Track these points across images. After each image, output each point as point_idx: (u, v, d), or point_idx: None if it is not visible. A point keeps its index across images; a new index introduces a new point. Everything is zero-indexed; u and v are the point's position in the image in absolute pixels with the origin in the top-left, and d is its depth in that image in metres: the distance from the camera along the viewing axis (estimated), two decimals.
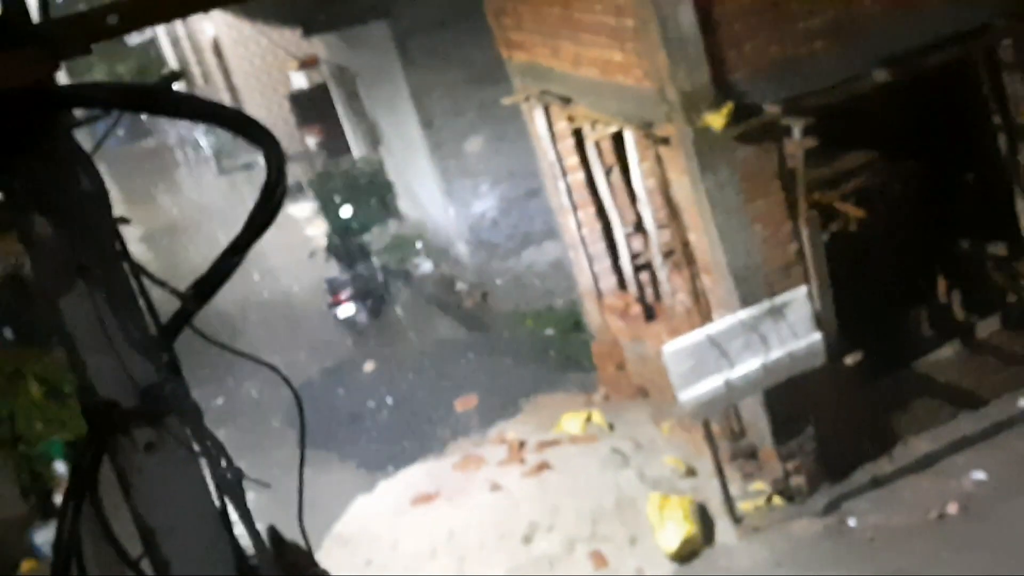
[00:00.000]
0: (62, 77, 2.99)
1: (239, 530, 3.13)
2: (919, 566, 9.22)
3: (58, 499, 10.70)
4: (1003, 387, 10.80)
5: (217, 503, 3.06)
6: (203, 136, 28.56)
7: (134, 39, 33.26)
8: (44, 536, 10.64)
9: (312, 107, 23.31)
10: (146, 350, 2.94)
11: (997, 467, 10.00)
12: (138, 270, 2.98)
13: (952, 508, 9.73)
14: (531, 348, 14.52)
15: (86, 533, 2.98)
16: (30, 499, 11.32)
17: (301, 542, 3.48)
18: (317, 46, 21.41)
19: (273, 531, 3.37)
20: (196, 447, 3.01)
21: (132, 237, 20.41)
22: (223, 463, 3.06)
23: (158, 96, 3.09)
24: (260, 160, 2.89)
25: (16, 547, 10.72)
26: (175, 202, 26.90)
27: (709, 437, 10.16)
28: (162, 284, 3.02)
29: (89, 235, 2.88)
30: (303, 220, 21.12)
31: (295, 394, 3.41)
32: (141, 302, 2.99)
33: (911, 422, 10.68)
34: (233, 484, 3.08)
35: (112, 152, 28.21)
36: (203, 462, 3.03)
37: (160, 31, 33.33)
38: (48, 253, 2.86)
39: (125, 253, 2.97)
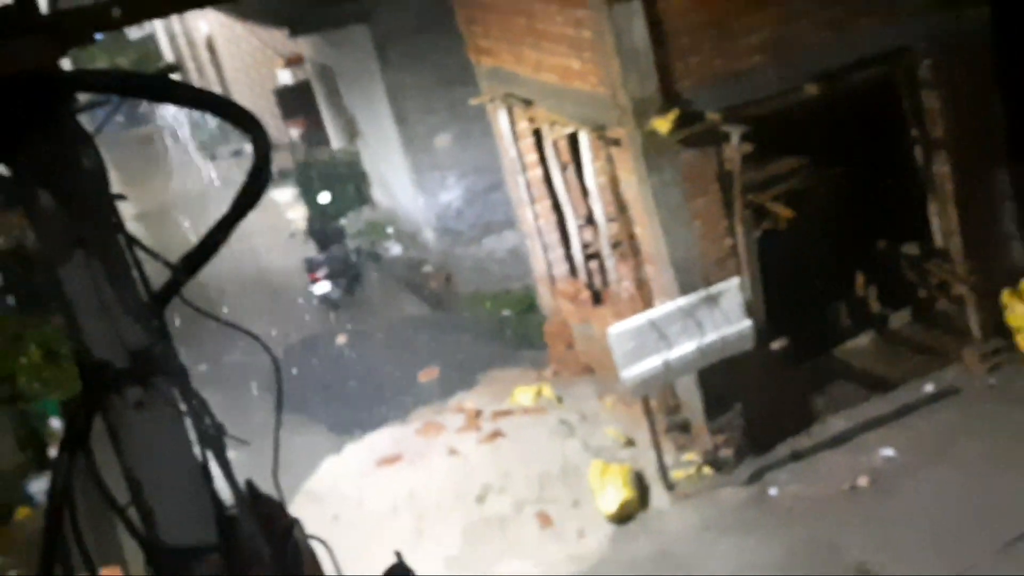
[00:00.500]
0: (66, 65, 2.96)
1: (219, 483, 3.11)
2: (832, 532, 9.30)
3: (53, 452, 10.61)
4: (912, 373, 10.90)
5: (199, 458, 3.05)
6: (195, 125, 28.28)
7: (134, 34, 32.88)
8: (39, 486, 10.55)
9: (296, 102, 23.13)
10: (138, 316, 2.91)
11: (904, 445, 10.09)
12: (132, 243, 2.96)
13: (863, 481, 9.81)
14: (489, 327, 14.50)
15: (78, 483, 2.96)
16: (26, 452, 11.22)
17: (275, 496, 3.47)
18: (302, 46, 21.24)
19: (250, 485, 3.35)
20: (182, 406, 2.99)
21: (128, 215, 20.17)
22: (206, 421, 3.05)
23: (156, 84, 3.06)
24: (248, 148, 2.87)
25: (12, 495, 10.62)
26: (168, 185, 26.62)
27: (647, 411, 10.20)
28: (155, 256, 3.01)
29: (89, 210, 2.85)
30: (284, 204, 20.95)
31: (274, 361, 3.39)
32: (135, 273, 2.97)
33: (829, 403, 10.76)
34: (215, 441, 3.07)
35: (111, 137, 27.83)
36: (188, 420, 3.02)
37: (158, 27, 32.96)
38: (50, 225, 2.83)
39: (121, 227, 2.94)
